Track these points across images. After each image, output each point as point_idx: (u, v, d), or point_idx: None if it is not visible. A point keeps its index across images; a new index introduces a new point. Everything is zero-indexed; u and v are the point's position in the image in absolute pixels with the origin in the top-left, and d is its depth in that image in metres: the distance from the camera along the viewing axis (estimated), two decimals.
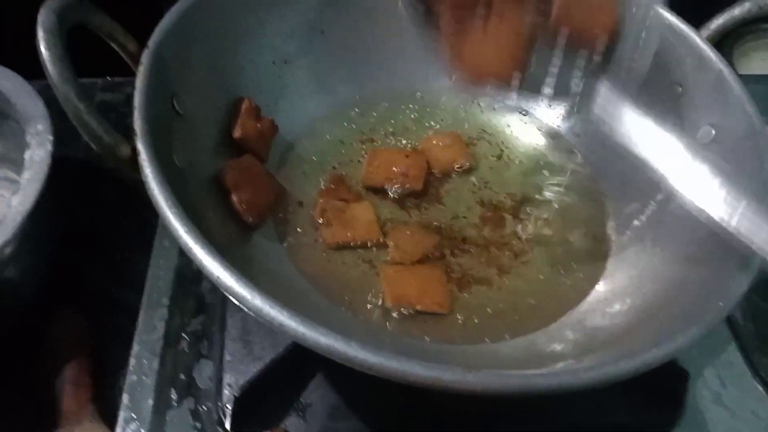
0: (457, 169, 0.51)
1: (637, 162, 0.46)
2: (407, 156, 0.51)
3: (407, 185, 0.49)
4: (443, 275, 0.44)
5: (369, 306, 0.42)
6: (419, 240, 0.46)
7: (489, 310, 0.43)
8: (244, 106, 0.46)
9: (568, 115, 0.54)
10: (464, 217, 0.49)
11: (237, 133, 0.45)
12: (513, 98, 0.37)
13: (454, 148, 0.51)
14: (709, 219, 0.33)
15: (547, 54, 0.36)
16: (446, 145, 0.52)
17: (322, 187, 0.49)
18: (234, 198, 0.42)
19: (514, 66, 0.36)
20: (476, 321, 0.43)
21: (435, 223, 0.48)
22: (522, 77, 0.36)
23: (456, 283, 0.45)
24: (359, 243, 0.45)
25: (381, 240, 0.46)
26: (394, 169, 0.49)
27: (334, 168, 0.50)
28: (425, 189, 0.49)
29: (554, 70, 0.36)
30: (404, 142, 0.53)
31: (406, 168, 0.49)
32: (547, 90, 0.37)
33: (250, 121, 0.46)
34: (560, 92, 0.37)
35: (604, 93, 0.37)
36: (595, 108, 0.37)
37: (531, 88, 0.37)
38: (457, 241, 0.47)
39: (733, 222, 0.32)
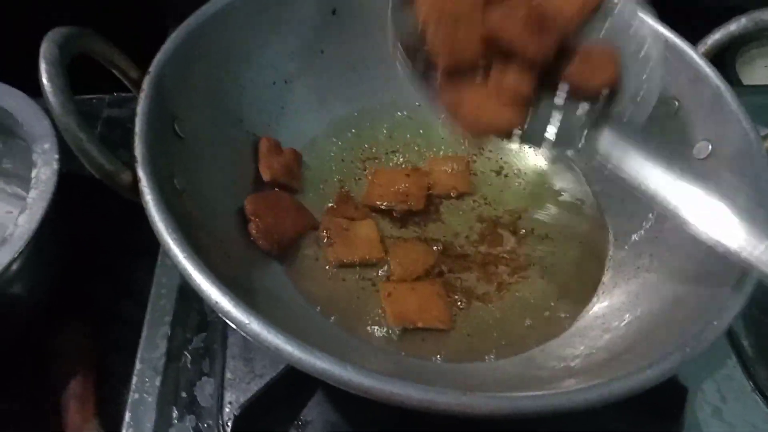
0: (453, 195, 0.51)
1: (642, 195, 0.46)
2: (408, 175, 0.51)
3: (409, 205, 0.49)
4: (443, 291, 0.45)
5: (369, 324, 0.43)
6: (419, 256, 0.47)
7: (487, 326, 0.44)
8: (264, 146, 0.48)
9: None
10: (464, 235, 0.49)
11: (266, 176, 0.47)
12: (516, 144, 0.36)
13: (456, 176, 0.52)
14: (711, 241, 0.33)
15: (547, 106, 0.36)
16: (450, 170, 0.52)
17: (329, 205, 0.49)
18: (251, 228, 0.44)
19: (513, 121, 0.36)
20: (475, 338, 0.43)
21: (435, 240, 0.48)
22: (522, 129, 0.36)
23: (456, 300, 0.45)
24: (361, 261, 0.46)
25: (383, 258, 0.46)
26: (395, 188, 0.50)
27: (342, 186, 0.51)
28: (425, 207, 0.50)
29: (555, 120, 0.37)
30: (404, 158, 0.54)
31: (407, 188, 0.50)
32: (549, 139, 0.37)
33: (274, 159, 0.48)
34: (562, 141, 0.37)
35: (607, 138, 0.36)
36: (599, 152, 0.36)
37: (532, 139, 0.37)
38: (457, 257, 0.48)
39: (735, 245, 0.32)
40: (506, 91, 0.35)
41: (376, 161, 0.53)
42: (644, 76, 0.43)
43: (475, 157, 0.54)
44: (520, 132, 0.36)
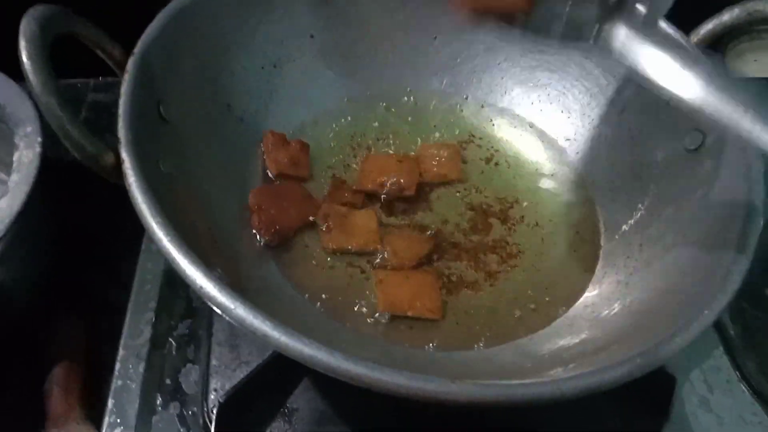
0: (444, 182, 0.51)
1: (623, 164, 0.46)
2: (400, 161, 0.51)
3: (400, 191, 0.49)
4: (436, 281, 0.44)
5: (357, 312, 0.42)
6: (414, 245, 0.46)
7: (476, 315, 0.43)
8: (269, 141, 0.48)
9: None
10: (454, 223, 0.49)
11: (273, 170, 0.47)
12: (520, 34, 0.33)
13: (448, 163, 0.51)
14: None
15: None
16: (441, 158, 0.51)
17: (325, 192, 0.49)
18: (253, 220, 0.44)
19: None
20: (464, 326, 0.43)
21: (424, 227, 0.48)
22: (527, 17, 0.33)
23: (445, 288, 0.45)
24: (357, 250, 0.45)
25: (379, 248, 0.45)
26: (387, 174, 0.49)
27: (334, 173, 0.50)
28: (416, 194, 0.49)
29: (565, 8, 0.33)
30: (395, 146, 0.53)
31: (398, 174, 0.49)
32: (556, 30, 0.33)
33: (280, 152, 0.48)
34: (571, 32, 0.33)
35: (623, 33, 0.32)
36: (613, 48, 0.33)
37: (538, 27, 0.33)
38: (447, 245, 0.47)
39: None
40: None
41: (366, 148, 0.52)
42: None
43: (465, 145, 0.54)
44: (524, 17, 0.33)
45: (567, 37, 0.34)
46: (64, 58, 0.35)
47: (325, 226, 0.46)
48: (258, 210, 0.44)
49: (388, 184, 0.49)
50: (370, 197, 0.49)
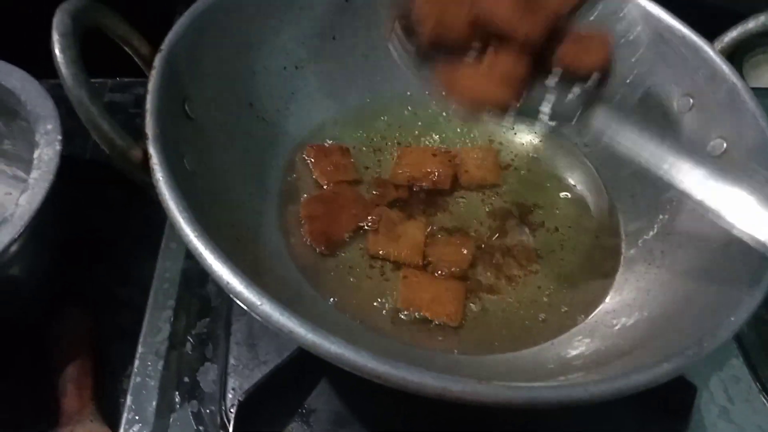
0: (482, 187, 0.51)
1: (644, 172, 0.46)
2: (434, 155, 0.51)
3: (435, 184, 0.49)
4: (462, 289, 0.44)
5: (377, 313, 0.42)
6: (454, 258, 0.46)
7: (496, 319, 0.43)
8: (312, 154, 0.49)
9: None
10: (474, 228, 0.48)
11: (322, 180, 0.48)
12: (510, 120, 0.37)
13: (487, 167, 0.51)
14: (723, 224, 0.33)
15: (543, 85, 0.37)
16: (481, 161, 0.52)
17: (374, 192, 0.49)
18: (304, 231, 0.45)
19: (509, 97, 0.36)
20: (484, 330, 0.42)
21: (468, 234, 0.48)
22: (518, 104, 0.36)
23: (465, 292, 0.44)
24: (396, 260, 0.45)
25: (420, 264, 0.45)
26: (422, 167, 0.50)
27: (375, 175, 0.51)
28: (434, 198, 0.49)
29: (550, 98, 0.37)
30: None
31: (434, 167, 0.50)
32: (544, 115, 0.37)
33: (325, 162, 0.49)
34: (557, 116, 0.37)
35: (601, 116, 0.37)
36: (593, 129, 0.37)
37: (528, 112, 0.37)
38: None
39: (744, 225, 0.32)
40: (500, 71, 0.35)
41: (385, 151, 0.52)
42: (634, 59, 0.43)
43: None
44: (516, 105, 0.36)
45: (553, 120, 0.37)
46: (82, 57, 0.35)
47: (372, 226, 0.46)
48: (309, 220, 0.45)
49: (423, 177, 0.49)
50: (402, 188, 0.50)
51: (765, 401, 0.44)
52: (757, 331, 0.47)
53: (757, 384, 0.45)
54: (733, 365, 0.46)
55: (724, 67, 0.44)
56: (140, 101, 0.35)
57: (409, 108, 0.55)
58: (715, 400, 0.44)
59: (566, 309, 0.44)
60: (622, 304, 0.43)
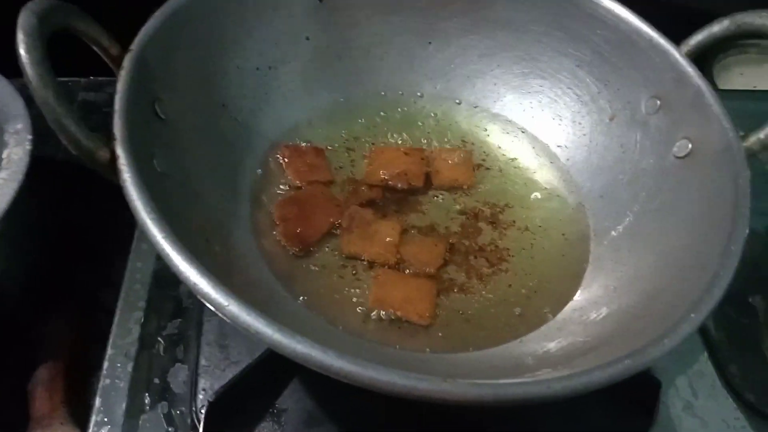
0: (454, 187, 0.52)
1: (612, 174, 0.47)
2: (407, 154, 0.51)
3: (408, 182, 0.50)
4: (433, 289, 0.44)
5: (348, 312, 0.42)
6: (429, 258, 0.46)
7: (467, 318, 0.44)
8: (286, 153, 0.49)
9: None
10: (444, 226, 0.49)
11: (295, 180, 0.48)
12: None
13: (460, 169, 0.52)
14: None
15: None
16: (454, 162, 0.52)
17: (348, 192, 0.49)
18: (277, 232, 0.45)
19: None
20: (456, 328, 0.43)
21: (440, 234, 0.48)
22: None
23: (437, 291, 0.45)
24: (370, 259, 0.45)
25: (393, 263, 0.45)
26: (395, 166, 0.50)
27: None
28: (407, 197, 0.50)
29: None
30: None
31: (406, 165, 0.50)
32: None
33: (297, 162, 0.49)
34: None
35: None
36: None
37: None
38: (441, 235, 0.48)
39: None
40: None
41: (359, 151, 0.52)
42: None
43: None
44: None
45: None
46: (54, 56, 0.35)
47: (346, 226, 0.46)
48: (282, 221, 0.45)
49: (396, 176, 0.50)
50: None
51: (728, 395, 0.46)
52: (722, 326, 0.49)
53: (721, 378, 0.46)
54: (698, 360, 0.47)
55: (690, 70, 0.45)
56: (114, 100, 0.35)
57: (383, 108, 0.55)
58: (680, 394, 0.45)
59: (536, 307, 0.44)
60: (590, 301, 0.43)
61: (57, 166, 0.56)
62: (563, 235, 0.49)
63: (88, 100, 0.65)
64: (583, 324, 0.41)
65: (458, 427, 0.41)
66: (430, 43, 0.55)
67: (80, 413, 0.44)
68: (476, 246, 0.48)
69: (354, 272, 0.45)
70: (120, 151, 0.33)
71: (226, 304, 0.29)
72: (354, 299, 0.43)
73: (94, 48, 0.38)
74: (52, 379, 0.45)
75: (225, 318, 0.29)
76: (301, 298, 0.42)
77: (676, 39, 0.47)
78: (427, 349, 0.41)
